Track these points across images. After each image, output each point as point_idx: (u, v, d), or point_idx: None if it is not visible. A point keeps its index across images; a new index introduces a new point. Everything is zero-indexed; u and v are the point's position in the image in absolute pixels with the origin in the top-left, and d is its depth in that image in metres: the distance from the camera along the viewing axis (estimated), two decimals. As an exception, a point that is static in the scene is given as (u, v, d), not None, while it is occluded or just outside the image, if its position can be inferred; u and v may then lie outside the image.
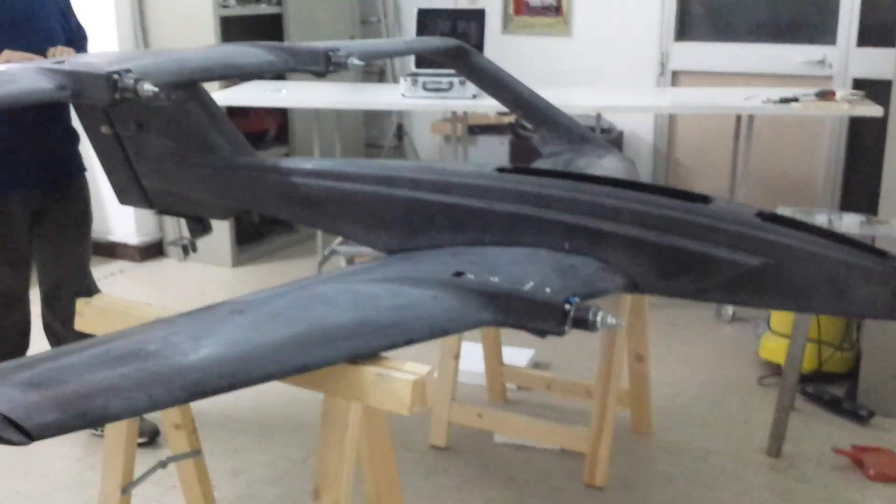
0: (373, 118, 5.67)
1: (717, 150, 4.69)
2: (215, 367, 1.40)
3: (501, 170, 2.06)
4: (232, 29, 4.51)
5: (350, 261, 4.56)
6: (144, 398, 1.31)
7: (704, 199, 1.87)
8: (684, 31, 4.81)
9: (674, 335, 3.81)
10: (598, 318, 1.60)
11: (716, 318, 3.99)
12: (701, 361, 3.57)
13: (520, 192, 1.95)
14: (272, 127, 5.03)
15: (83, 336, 1.92)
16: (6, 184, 2.67)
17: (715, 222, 1.78)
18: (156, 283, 4.54)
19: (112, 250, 4.74)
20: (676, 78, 4.84)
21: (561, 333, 1.61)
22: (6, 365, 1.38)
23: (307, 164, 2.27)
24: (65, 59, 2.14)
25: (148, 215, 4.56)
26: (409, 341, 1.58)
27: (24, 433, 1.18)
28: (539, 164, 2.67)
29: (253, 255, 4.86)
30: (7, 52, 2.49)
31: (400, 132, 5.39)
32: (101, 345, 1.48)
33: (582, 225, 1.87)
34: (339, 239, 4.49)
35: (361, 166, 2.19)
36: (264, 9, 4.75)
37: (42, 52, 2.57)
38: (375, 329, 1.56)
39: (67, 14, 2.82)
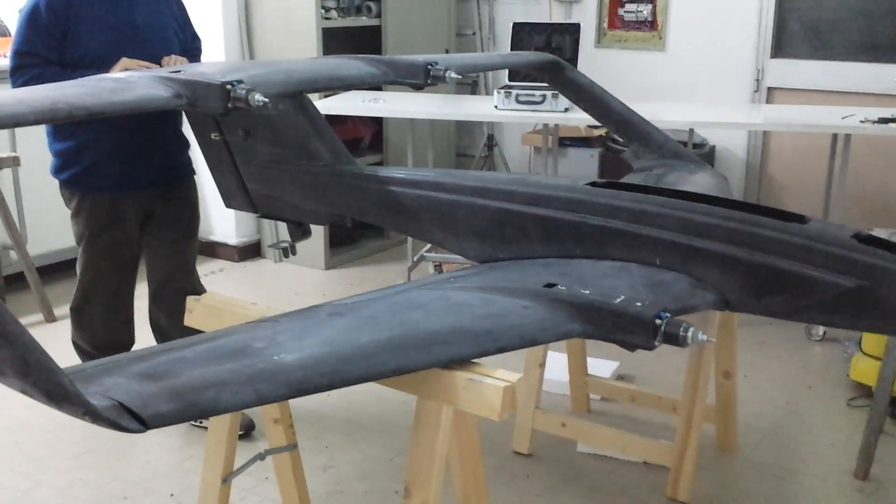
0: (464, 127, 5.75)
1: (811, 168, 4.62)
2: (317, 367, 1.48)
3: (594, 184, 2.10)
4: (332, 39, 4.65)
5: (438, 266, 4.64)
6: (251, 393, 1.39)
7: (800, 218, 1.87)
8: (781, 47, 4.76)
9: (762, 353, 3.77)
10: (689, 334, 1.62)
11: (805, 338, 3.93)
12: (789, 380, 3.53)
13: (612, 207, 1.99)
14: (367, 134, 5.16)
15: (188, 331, 2.03)
16: (120, 186, 2.83)
17: (810, 242, 1.78)
18: (253, 282, 4.70)
19: (213, 250, 4.93)
20: (771, 94, 4.78)
21: (651, 348, 1.64)
22: (122, 357, 1.49)
23: (404, 174, 2.34)
24: (181, 68, 2.26)
25: (247, 217, 4.73)
26: (501, 349, 1.64)
27: (139, 421, 1.27)
28: (630, 178, 2.69)
29: (345, 258, 4.98)
30: (125, 60, 2.64)
31: (491, 142, 5.45)
32: (211, 340, 1.58)
33: (674, 241, 1.89)
34: (428, 245, 4.57)
35: (457, 177, 2.26)
36: (364, 21, 4.88)
37: (157, 61, 2.72)
38: (468, 336, 1.62)
39: (184, 24, 2.97)
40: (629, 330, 1.67)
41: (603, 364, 3.43)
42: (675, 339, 1.64)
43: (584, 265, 1.96)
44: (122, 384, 1.34)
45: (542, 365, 2.90)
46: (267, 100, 1.85)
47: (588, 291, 1.74)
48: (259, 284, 4.67)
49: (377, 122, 5.11)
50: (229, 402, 1.37)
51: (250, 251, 4.99)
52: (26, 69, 2.63)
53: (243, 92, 1.82)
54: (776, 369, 3.63)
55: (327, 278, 4.77)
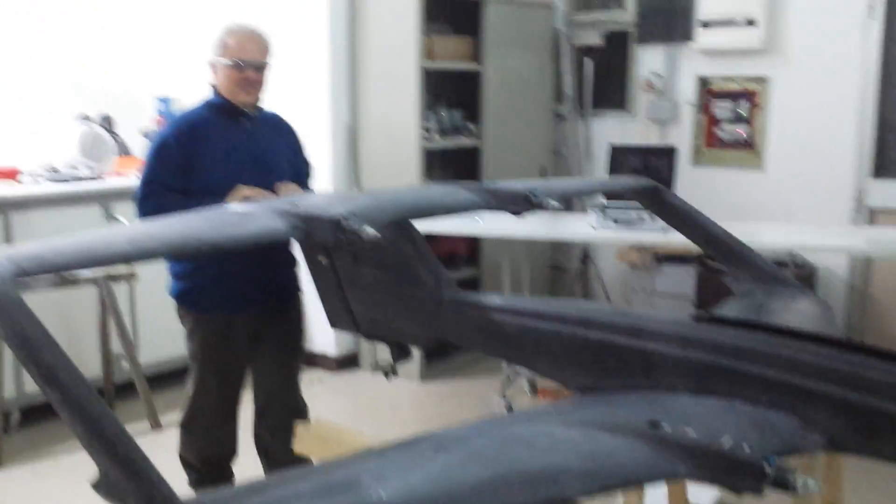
0: (559, 243, 5.81)
1: (919, 291, 4.50)
2: (423, 504, 1.50)
3: (697, 318, 2.11)
4: (433, 159, 4.81)
5: (532, 383, 4.63)
6: None
7: (910, 360, 1.83)
8: (882, 166, 4.70)
9: (870, 485, 3.61)
10: (800, 483, 1.59)
11: (919, 469, 3.75)
12: (902, 514, 3.37)
13: (716, 343, 1.98)
14: (462, 249, 5.26)
15: (290, 447, 2.08)
16: (233, 306, 2.95)
17: None
18: (350, 393, 4.77)
19: (312, 359, 5.04)
20: (874, 215, 4.70)
21: (759, 492, 1.61)
22: (238, 489, 1.54)
23: (505, 302, 2.39)
24: (296, 199, 2.38)
25: (344, 330, 4.83)
26: (605, 489, 1.64)
27: None
28: (731, 304, 2.68)
29: (440, 370, 5.02)
30: (242, 188, 2.79)
31: (585, 257, 5.48)
32: (321, 473, 1.62)
33: (781, 380, 1.87)
34: (524, 361, 4.58)
35: (559, 306, 2.29)
36: (463, 142, 5.05)
37: (271, 188, 2.86)
38: (573, 475, 1.63)
39: (297, 152, 3.13)
40: (737, 474, 1.64)
41: (704, 492, 3.34)
42: (784, 486, 1.61)
43: (687, 402, 1.95)
44: None
45: (642, 497, 2.84)
46: (377, 233, 1.94)
47: (694, 432, 1.73)
48: (356, 395, 4.74)
49: (474, 236, 5.21)
50: None
51: (348, 362, 5.09)
52: (154, 198, 2.80)
53: (355, 225, 1.90)
54: (885, 499, 3.46)
55: (423, 390, 4.80)
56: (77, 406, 1.27)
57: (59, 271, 1.55)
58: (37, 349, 1.29)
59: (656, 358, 2.04)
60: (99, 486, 1.33)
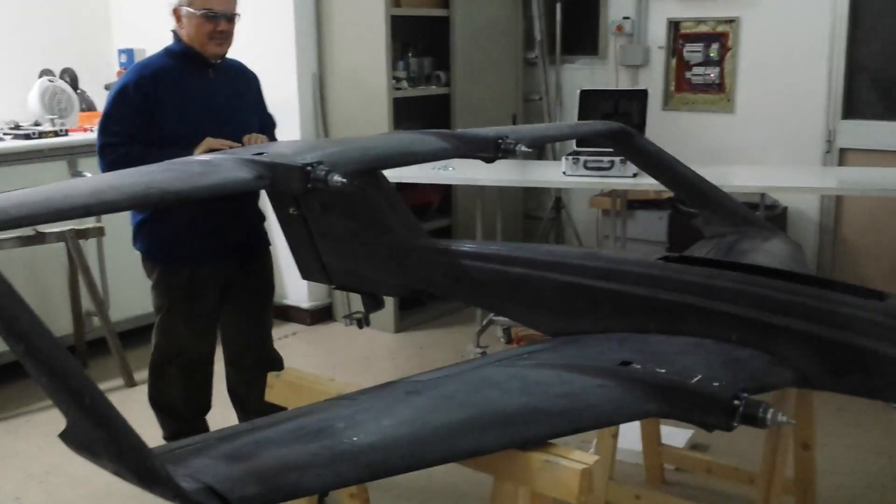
0: (532, 191, 5.80)
1: (888, 230, 4.54)
2: (396, 449, 1.50)
3: (666, 258, 2.11)
4: (403, 108, 4.76)
5: (507, 330, 4.65)
6: (333, 475, 1.43)
7: (879, 295, 1.85)
8: (852, 108, 4.71)
9: (841, 421, 3.68)
10: (769, 416, 1.60)
11: (885, 405, 3.81)
12: (870, 450, 3.43)
13: (686, 282, 1.99)
14: (436, 199, 5.23)
15: (264, 398, 2.08)
16: (199, 258, 2.91)
17: (890, 320, 1.76)
18: (324, 345, 4.77)
19: (286, 313, 5.02)
20: (844, 156, 4.73)
21: (729, 429, 1.63)
22: (209, 437, 1.53)
23: (476, 248, 2.38)
24: (262, 148, 2.35)
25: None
26: (577, 430, 1.65)
27: None
28: (701, 246, 2.69)
29: (415, 321, 5.03)
30: (209, 140, 2.74)
31: (558, 205, 5.48)
32: (292, 419, 1.62)
33: (751, 317, 1.88)
34: (498, 309, 4.59)
35: (528, 251, 2.28)
36: (433, 90, 5.00)
37: (239, 139, 2.82)
38: (544, 417, 1.64)
39: (261, 104, 3.08)
40: (707, 410, 1.66)
41: (677, 433, 3.38)
42: (753, 421, 1.63)
43: (658, 341, 1.96)
44: (209, 466, 1.39)
45: (615, 435, 2.87)
46: (345, 180, 1.91)
47: (664, 370, 1.74)
48: (330, 348, 4.74)
49: (446, 186, 5.19)
50: (312, 484, 1.40)
51: (322, 315, 5.07)
52: (114, 147, 2.75)
53: (322, 173, 1.87)
54: (856, 439, 3.53)
55: (397, 341, 4.81)
56: (41, 357, 1.25)
57: (22, 225, 1.51)
58: None
59: (626, 299, 2.04)
60: (67, 437, 1.32)
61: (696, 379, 1.69)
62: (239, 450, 1.45)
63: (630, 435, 3.19)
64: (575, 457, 1.57)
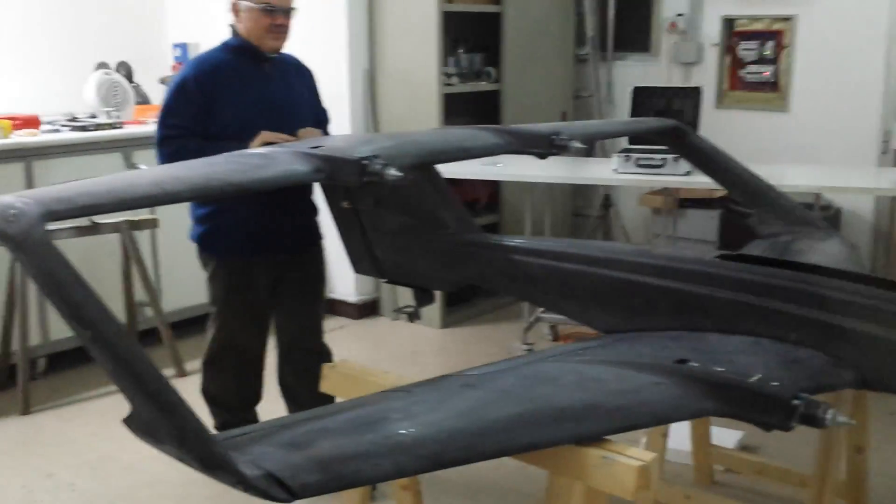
0: (580, 188, 5.77)
1: (946, 232, 4.44)
2: (453, 441, 1.51)
3: (724, 257, 2.09)
4: (452, 104, 4.76)
5: (553, 328, 4.63)
6: (391, 466, 1.44)
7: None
8: (910, 108, 4.62)
9: (895, 424, 3.61)
10: (829, 416, 1.58)
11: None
12: (925, 455, 3.37)
13: (743, 281, 1.97)
14: (483, 196, 5.23)
15: (315, 391, 2.10)
16: (254, 251, 2.95)
17: None
18: (371, 339, 4.79)
19: (333, 307, 5.05)
20: (901, 156, 4.64)
21: (788, 429, 1.61)
22: (268, 425, 1.55)
23: (529, 243, 2.38)
24: (318, 142, 2.36)
25: (366, 277, 4.83)
26: (633, 427, 1.64)
27: (287, 491, 1.33)
28: (756, 245, 2.66)
29: (460, 316, 5.03)
30: (264, 134, 2.77)
31: (607, 203, 5.44)
32: (350, 410, 1.63)
33: (810, 317, 1.86)
34: (545, 306, 4.57)
35: (583, 247, 2.28)
36: (483, 86, 5.00)
37: (293, 133, 2.84)
38: (601, 413, 1.63)
39: (315, 98, 3.11)
40: (765, 410, 1.64)
41: (727, 433, 3.35)
42: (813, 421, 1.61)
43: (714, 340, 1.94)
44: (269, 453, 1.40)
45: (666, 435, 2.86)
46: (401, 174, 1.92)
47: (722, 369, 1.73)
48: (377, 342, 4.76)
49: (494, 182, 5.17)
50: (370, 474, 1.42)
51: (369, 309, 5.10)
52: (172, 140, 2.79)
53: (379, 166, 1.89)
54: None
55: (443, 337, 4.82)
56: (107, 343, 1.27)
57: (86, 214, 1.54)
58: (66, 288, 1.29)
59: (683, 297, 2.03)
60: (131, 422, 1.35)
61: (754, 378, 1.68)
62: (298, 438, 1.47)
63: (679, 435, 3.16)
64: (632, 453, 1.57)
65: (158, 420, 1.30)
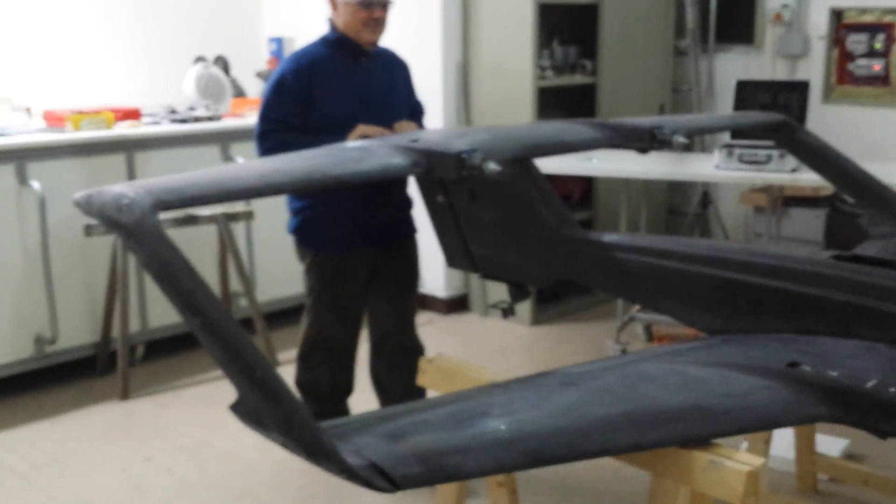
0: (677, 184, 5.64)
1: None
2: (554, 438, 1.48)
3: (838, 257, 2.00)
4: (546, 97, 4.70)
5: (648, 328, 4.54)
6: (492, 461, 1.41)
7: None
8: None
9: None
10: (955, 427, 1.50)
11: None
12: None
13: (859, 283, 1.88)
14: (576, 191, 5.16)
15: (407, 383, 2.09)
16: (350, 244, 2.96)
17: None
18: (460, 335, 4.77)
19: (422, 302, 5.03)
20: None
21: (909, 439, 1.53)
22: (370, 415, 1.55)
23: (629, 240, 2.32)
24: (416, 135, 2.36)
25: (455, 271, 4.82)
26: (741, 430, 1.58)
27: (390, 482, 1.32)
28: (868, 246, 2.54)
29: (551, 314, 4.97)
30: (362, 127, 2.78)
31: (705, 200, 5.30)
32: (449, 404, 1.61)
33: None
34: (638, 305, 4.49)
35: (686, 245, 2.21)
36: (578, 79, 4.92)
37: (390, 126, 2.84)
38: (707, 415, 1.57)
39: (410, 91, 3.10)
40: (882, 417, 1.56)
41: (833, 441, 3.22)
42: (937, 431, 1.52)
43: (826, 343, 1.86)
44: (372, 444, 1.40)
45: (768, 441, 2.76)
46: (500, 168, 1.90)
47: (836, 373, 1.65)
48: (466, 338, 4.74)
49: (587, 178, 5.10)
50: (472, 468, 1.40)
51: (458, 305, 5.09)
52: (272, 134, 2.82)
53: (478, 160, 1.87)
54: None
55: (533, 334, 4.77)
56: (216, 330, 1.29)
57: (195, 205, 1.57)
58: (177, 276, 1.32)
59: (795, 299, 1.95)
60: (238, 409, 1.36)
61: (871, 383, 1.60)
62: (400, 430, 1.46)
63: (783, 441, 3.05)
64: (740, 458, 1.51)
65: (265, 407, 1.31)
